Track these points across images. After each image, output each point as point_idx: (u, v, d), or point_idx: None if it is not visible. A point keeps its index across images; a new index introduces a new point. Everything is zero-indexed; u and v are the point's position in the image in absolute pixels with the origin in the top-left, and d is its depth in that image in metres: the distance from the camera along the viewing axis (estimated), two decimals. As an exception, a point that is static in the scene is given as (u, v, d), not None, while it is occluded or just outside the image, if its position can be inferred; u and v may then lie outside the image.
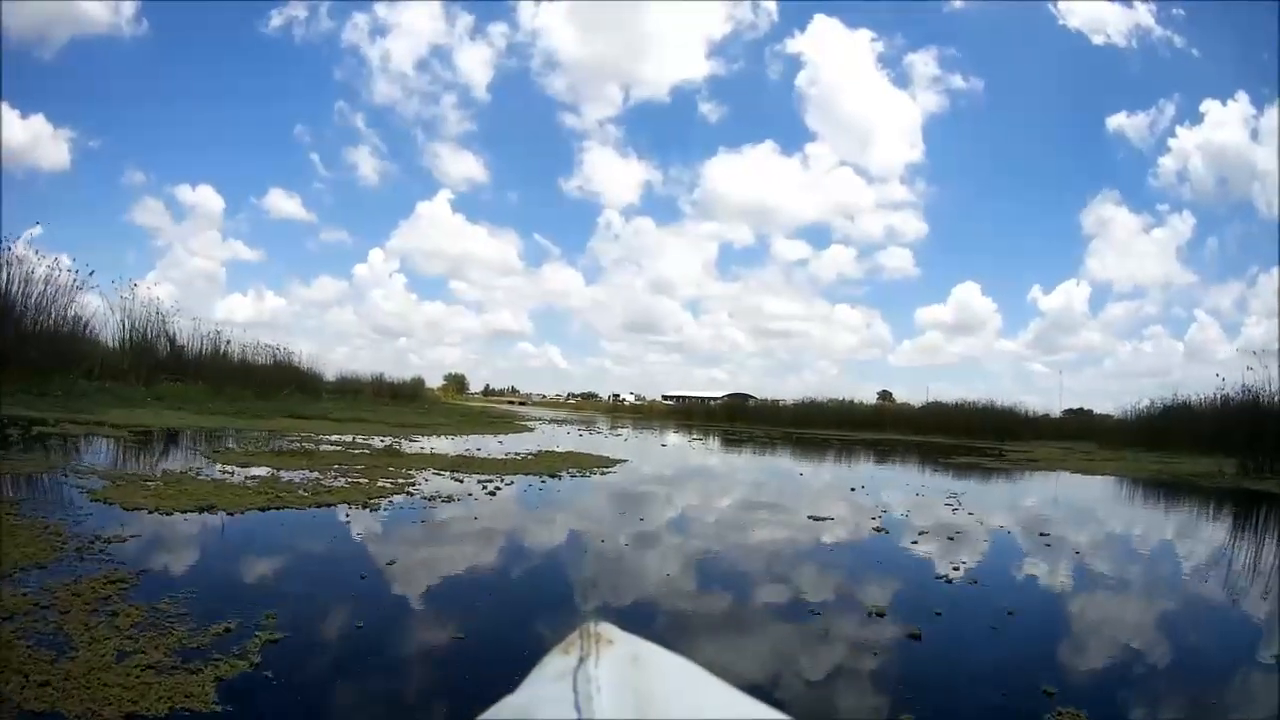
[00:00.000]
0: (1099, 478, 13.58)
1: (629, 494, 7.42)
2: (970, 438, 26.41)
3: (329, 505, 5.65)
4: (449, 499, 6.10)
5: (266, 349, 25.17)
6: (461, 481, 7.20)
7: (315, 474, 7.20)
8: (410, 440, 12.39)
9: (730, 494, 8.26)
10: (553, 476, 7.92)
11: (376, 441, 11.49)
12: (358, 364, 38.52)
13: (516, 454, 10.49)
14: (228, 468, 7.32)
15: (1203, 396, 22.36)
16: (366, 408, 22.62)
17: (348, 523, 5.05)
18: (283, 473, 7.12)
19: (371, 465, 8.09)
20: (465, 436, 14.46)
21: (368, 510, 5.54)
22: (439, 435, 14.05)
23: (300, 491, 6.04)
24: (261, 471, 7.13)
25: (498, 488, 6.85)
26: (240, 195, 44.85)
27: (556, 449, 12.19)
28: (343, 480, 6.83)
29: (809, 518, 6.72)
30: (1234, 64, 35.62)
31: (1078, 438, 27.16)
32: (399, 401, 30.20)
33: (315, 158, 38.92)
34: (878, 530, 6.37)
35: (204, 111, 40.63)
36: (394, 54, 36.94)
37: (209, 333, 22.11)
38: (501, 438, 15.08)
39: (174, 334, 21.55)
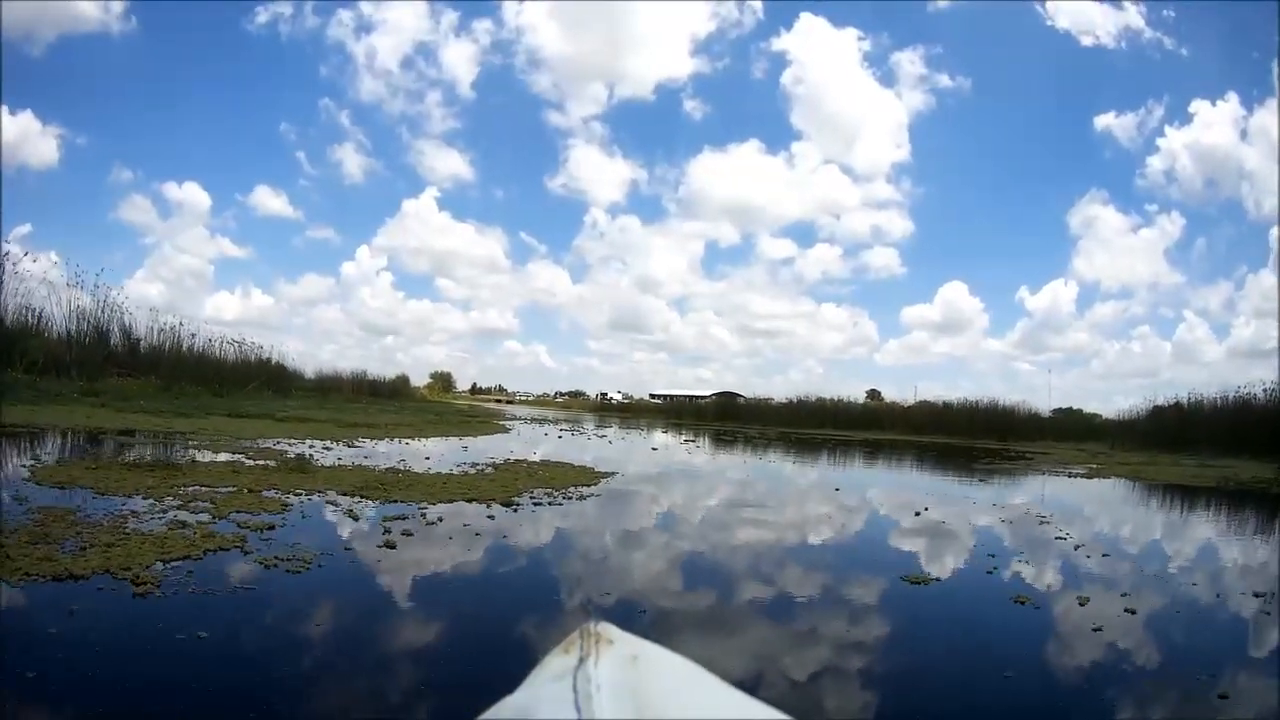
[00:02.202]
0: (1161, 485, 11.01)
1: (616, 538, 4.63)
2: (972, 438, 24.01)
3: (77, 578, 2.92)
4: (305, 563, 3.31)
5: (233, 344, 22.54)
6: (357, 519, 4.41)
7: (150, 501, 4.58)
8: (352, 445, 9.55)
9: (762, 529, 5.51)
10: (507, 505, 5.11)
11: (303, 447, 8.68)
12: (346, 362, 36.31)
13: (473, 465, 7.68)
14: (41, 486, 4.76)
15: (1219, 396, 20.53)
16: (333, 406, 19.72)
17: (55, 630, 2.28)
18: (101, 500, 4.48)
19: (250, 486, 5.34)
20: (424, 440, 11.61)
21: (133, 590, 2.79)
22: (394, 438, 11.19)
23: (57, 551, 3.29)
24: (73, 498, 4.49)
25: (407, 531, 4.06)
26: (226, 192, 41.09)
27: (530, 456, 9.39)
28: (168, 517, 4.11)
29: (904, 580, 4.04)
30: (1224, 64, 33.65)
31: (1083, 437, 24.99)
32: (378, 400, 27.35)
33: (301, 155, 35.99)
34: (1020, 603, 3.74)
35: (190, 108, 37.72)
36: (379, 51, 34.32)
37: (166, 325, 19.30)
38: (468, 440, 12.23)
39: (130, 326, 18.87)
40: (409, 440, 11.09)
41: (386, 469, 6.67)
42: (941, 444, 21.05)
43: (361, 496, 5.16)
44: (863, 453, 16.21)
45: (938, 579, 4.16)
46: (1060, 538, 5.90)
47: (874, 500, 7.69)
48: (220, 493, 5.12)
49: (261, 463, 6.89)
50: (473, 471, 7.02)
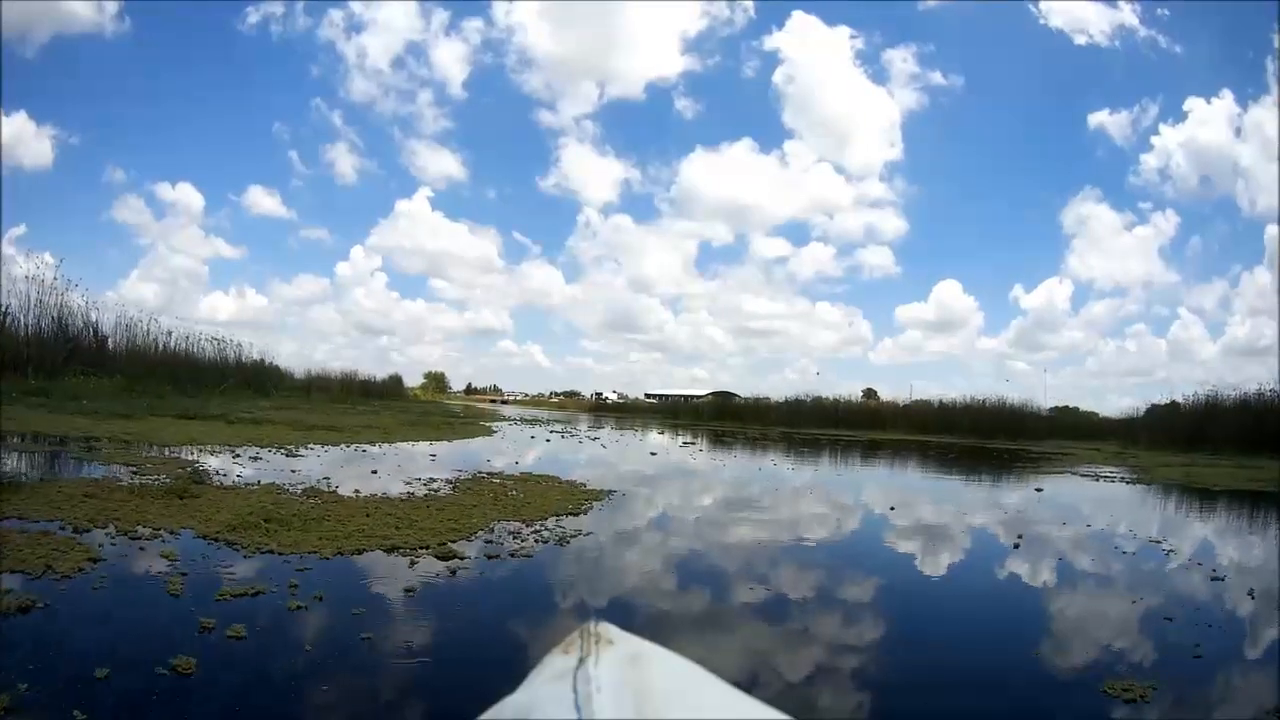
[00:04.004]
0: (1229, 492, 9.27)
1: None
2: (979, 437, 22.31)
3: None
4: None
5: (212, 342, 20.91)
6: (178, 595, 2.55)
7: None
8: (293, 454, 7.68)
9: (846, 592, 3.67)
10: (445, 558, 3.23)
11: (224, 457, 6.84)
12: (341, 362, 34.67)
13: (430, 482, 5.81)
14: None
15: (1237, 395, 19.19)
16: (307, 407, 17.75)
17: None
18: None
19: (83, 521, 3.65)
20: (389, 445, 9.72)
21: None
22: (352, 444, 9.30)
23: None
24: None
25: (235, 634, 2.19)
26: (219, 192, 38.82)
27: (508, 467, 7.55)
28: None
29: (1107, 694, 2.26)
30: (1218, 62, 31.97)
31: (1090, 436, 23.39)
32: (366, 400, 25.40)
33: (294, 155, 33.46)
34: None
35: (182, 108, 35.62)
36: (370, 51, 31.92)
37: (136, 321, 17.85)
38: (441, 446, 10.35)
39: (97, 322, 17.35)
40: (369, 446, 9.20)
41: (304, 490, 4.80)
42: (952, 444, 19.32)
43: (229, 542, 3.31)
44: (878, 456, 14.43)
45: (1153, 687, 2.37)
46: (1217, 578, 4.17)
47: (946, 525, 5.85)
48: (27, 532, 3.33)
49: (146, 480, 5.04)
50: (423, 493, 5.15)
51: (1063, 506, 7.47)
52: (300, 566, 2.95)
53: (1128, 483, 10.38)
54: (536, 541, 3.71)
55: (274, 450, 7.84)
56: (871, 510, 6.37)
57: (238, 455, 7.08)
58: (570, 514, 4.60)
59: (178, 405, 13.60)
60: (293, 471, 5.97)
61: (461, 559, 3.19)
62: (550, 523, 4.23)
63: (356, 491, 4.86)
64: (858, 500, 7.26)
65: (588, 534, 4.01)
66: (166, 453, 7.22)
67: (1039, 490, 8.60)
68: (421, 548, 3.31)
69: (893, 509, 6.11)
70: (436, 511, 4.23)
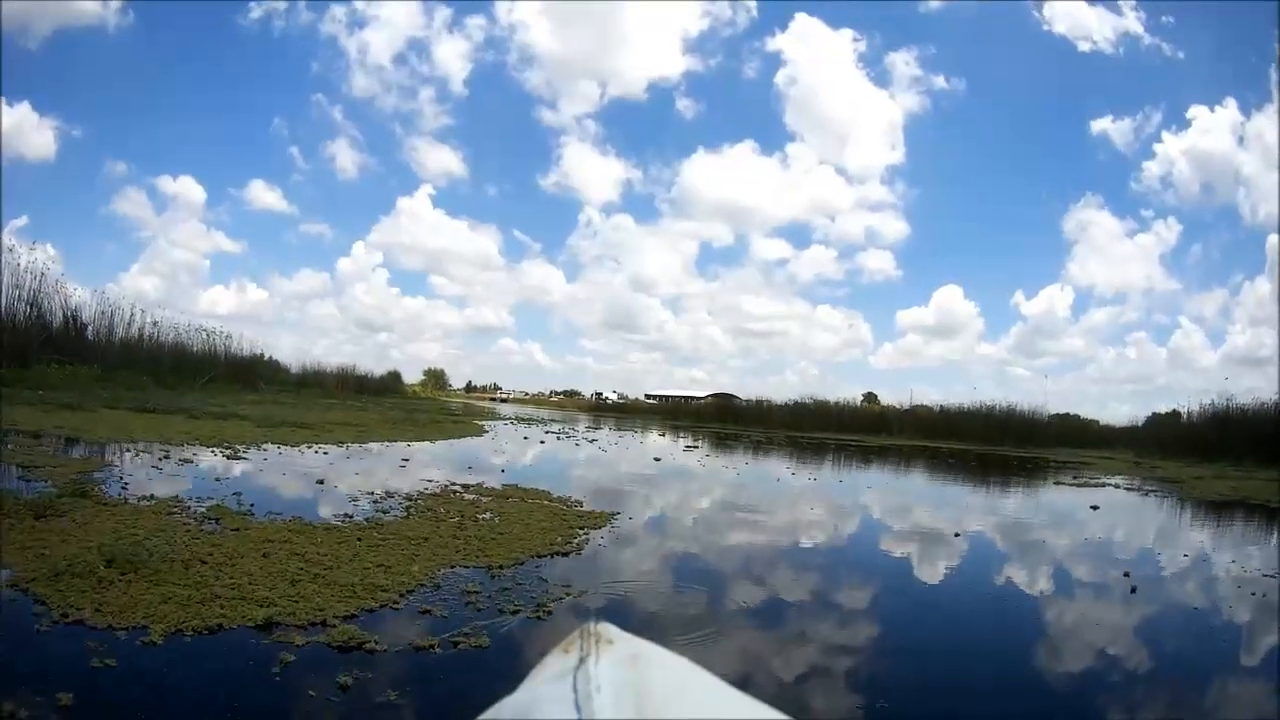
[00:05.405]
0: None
1: None
2: (986, 443, 21.11)
3: None
4: None
5: (201, 333, 19.49)
6: None
7: None
8: (238, 455, 6.42)
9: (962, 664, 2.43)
10: (344, 650, 1.91)
11: (146, 461, 5.59)
12: (340, 357, 33.73)
13: (385, 498, 4.53)
14: None
15: (1258, 404, 18.16)
16: (289, 403, 16.50)
17: None
18: None
19: None
20: (361, 445, 8.44)
21: None
22: (317, 444, 8.01)
23: None
24: None
25: None
26: (220, 186, 37.52)
27: (494, 480, 6.30)
28: None
29: None
30: (1222, 70, 30.83)
31: (1098, 444, 22.26)
32: (360, 396, 24.15)
33: (294, 150, 32.44)
34: None
35: (184, 102, 34.47)
36: (372, 47, 31.11)
37: (114, 310, 16.62)
38: (421, 447, 9.07)
39: (77, 310, 16.25)
40: (335, 447, 7.91)
41: (207, 510, 3.53)
42: (964, 450, 18.13)
43: (39, 599, 2.07)
44: (893, 462, 13.20)
45: None
46: None
47: (1032, 554, 4.59)
48: None
49: (26, 486, 3.80)
50: (367, 514, 3.86)
51: (1136, 529, 6.25)
52: (103, 659, 1.69)
53: (1178, 497, 9.17)
54: (501, 610, 2.37)
55: (218, 450, 6.57)
56: (935, 535, 5.12)
57: (166, 456, 5.80)
58: (559, 552, 3.29)
59: (146, 398, 12.34)
60: (216, 480, 4.69)
61: (369, 652, 1.89)
62: (527, 570, 2.93)
63: (274, 514, 3.57)
64: (908, 521, 6.01)
65: (580, 593, 2.67)
66: (86, 451, 5.97)
67: (1094, 508, 7.37)
68: (314, 624, 2.04)
69: (957, 535, 4.86)
70: (368, 550, 2.95)
